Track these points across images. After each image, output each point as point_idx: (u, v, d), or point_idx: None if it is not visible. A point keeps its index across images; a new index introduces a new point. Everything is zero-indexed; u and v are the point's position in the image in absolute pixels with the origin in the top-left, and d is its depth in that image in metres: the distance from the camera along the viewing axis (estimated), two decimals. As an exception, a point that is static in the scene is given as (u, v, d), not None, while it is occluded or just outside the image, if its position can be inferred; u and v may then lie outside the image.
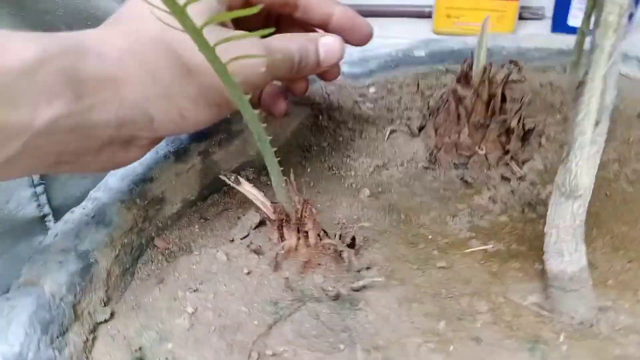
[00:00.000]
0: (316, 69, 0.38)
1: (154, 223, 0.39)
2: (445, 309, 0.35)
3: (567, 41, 0.56)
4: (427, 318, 0.34)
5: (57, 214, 0.52)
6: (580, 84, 0.27)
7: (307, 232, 0.35)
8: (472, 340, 0.33)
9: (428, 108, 0.49)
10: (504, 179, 0.44)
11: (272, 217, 0.35)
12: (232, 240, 0.38)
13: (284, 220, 0.35)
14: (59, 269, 0.32)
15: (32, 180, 0.49)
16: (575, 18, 1.11)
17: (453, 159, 0.46)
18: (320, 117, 0.51)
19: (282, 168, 0.32)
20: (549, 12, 1.18)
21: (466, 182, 0.45)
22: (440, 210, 0.42)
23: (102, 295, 0.34)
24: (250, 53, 0.26)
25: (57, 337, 0.30)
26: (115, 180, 0.39)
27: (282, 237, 0.36)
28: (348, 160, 0.48)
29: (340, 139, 0.50)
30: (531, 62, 0.55)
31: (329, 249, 0.36)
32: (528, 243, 0.39)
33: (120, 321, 0.34)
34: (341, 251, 0.36)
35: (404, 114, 0.51)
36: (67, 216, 0.37)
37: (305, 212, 0.34)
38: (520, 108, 0.44)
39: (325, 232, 0.37)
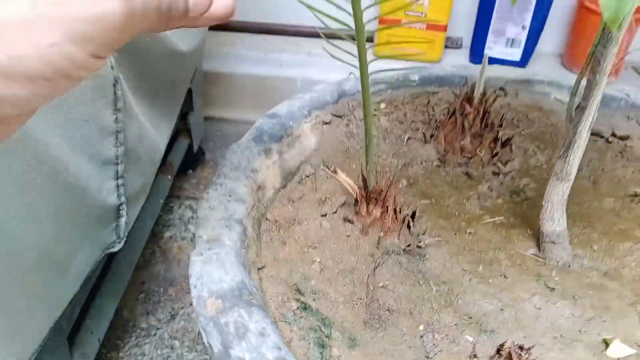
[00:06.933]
0: (187, 18, 0.29)
1: (261, 202, 0.52)
2: (480, 258, 0.51)
3: (523, 73, 0.75)
4: (470, 264, 0.50)
5: (128, 203, 0.62)
6: (579, 107, 0.45)
7: (387, 207, 0.50)
8: (501, 276, 0.49)
9: (436, 121, 0.66)
10: (494, 174, 0.62)
11: (359, 197, 0.50)
12: (325, 215, 0.52)
13: (370, 198, 0.49)
14: (229, 230, 0.44)
15: (117, 173, 0.59)
16: (490, 49, 1.35)
17: (458, 159, 0.63)
18: (351, 125, 0.66)
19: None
20: (467, 42, 1.41)
21: (470, 176, 0.61)
22: (457, 196, 0.59)
23: (254, 250, 0.46)
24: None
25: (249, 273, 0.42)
26: (228, 170, 0.51)
27: (368, 211, 0.50)
28: (379, 160, 0.63)
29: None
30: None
31: (402, 219, 0.51)
32: (520, 217, 0.57)
33: (270, 269, 0.46)
34: (408, 221, 0.51)
35: (412, 125, 0.68)
36: (206, 196, 0.48)
37: (389, 191, 0.49)
38: (501, 123, 0.62)
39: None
